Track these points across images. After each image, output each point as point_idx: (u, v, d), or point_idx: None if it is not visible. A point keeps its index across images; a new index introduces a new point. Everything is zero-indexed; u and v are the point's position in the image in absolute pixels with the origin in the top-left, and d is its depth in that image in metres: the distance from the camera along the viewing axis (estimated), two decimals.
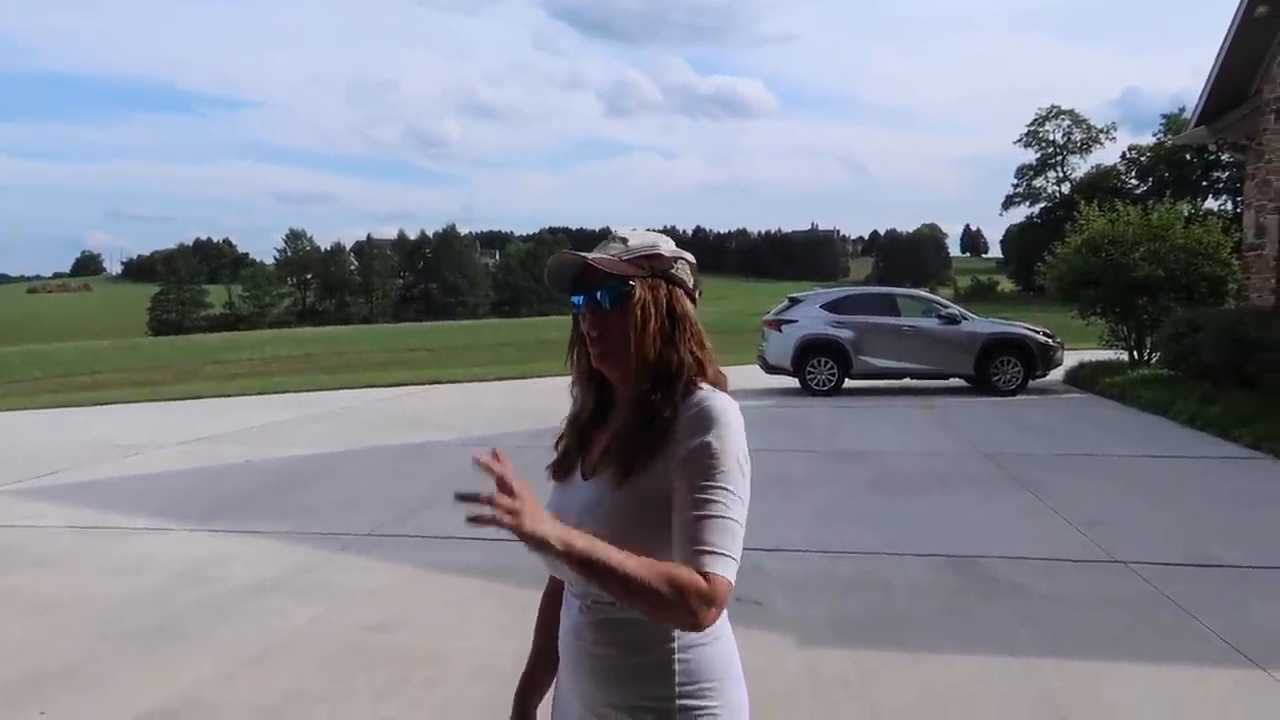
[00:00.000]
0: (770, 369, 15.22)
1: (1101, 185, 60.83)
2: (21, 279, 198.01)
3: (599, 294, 1.51)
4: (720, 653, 1.51)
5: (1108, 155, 76.52)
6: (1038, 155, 77.43)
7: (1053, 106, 76.85)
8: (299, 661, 4.36)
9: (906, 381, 15.20)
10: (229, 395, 17.57)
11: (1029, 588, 5.25)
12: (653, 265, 1.54)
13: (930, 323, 14.91)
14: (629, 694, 1.48)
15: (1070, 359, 15.46)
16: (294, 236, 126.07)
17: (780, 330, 14.98)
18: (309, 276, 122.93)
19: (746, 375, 15.79)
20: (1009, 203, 79.87)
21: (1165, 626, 4.61)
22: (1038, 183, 77.90)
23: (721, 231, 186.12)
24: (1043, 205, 76.27)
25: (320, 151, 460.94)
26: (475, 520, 1.29)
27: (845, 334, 14.68)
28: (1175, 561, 5.62)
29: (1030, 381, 14.48)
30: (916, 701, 3.87)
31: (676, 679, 1.47)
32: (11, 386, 25.02)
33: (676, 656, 1.47)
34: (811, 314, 14.95)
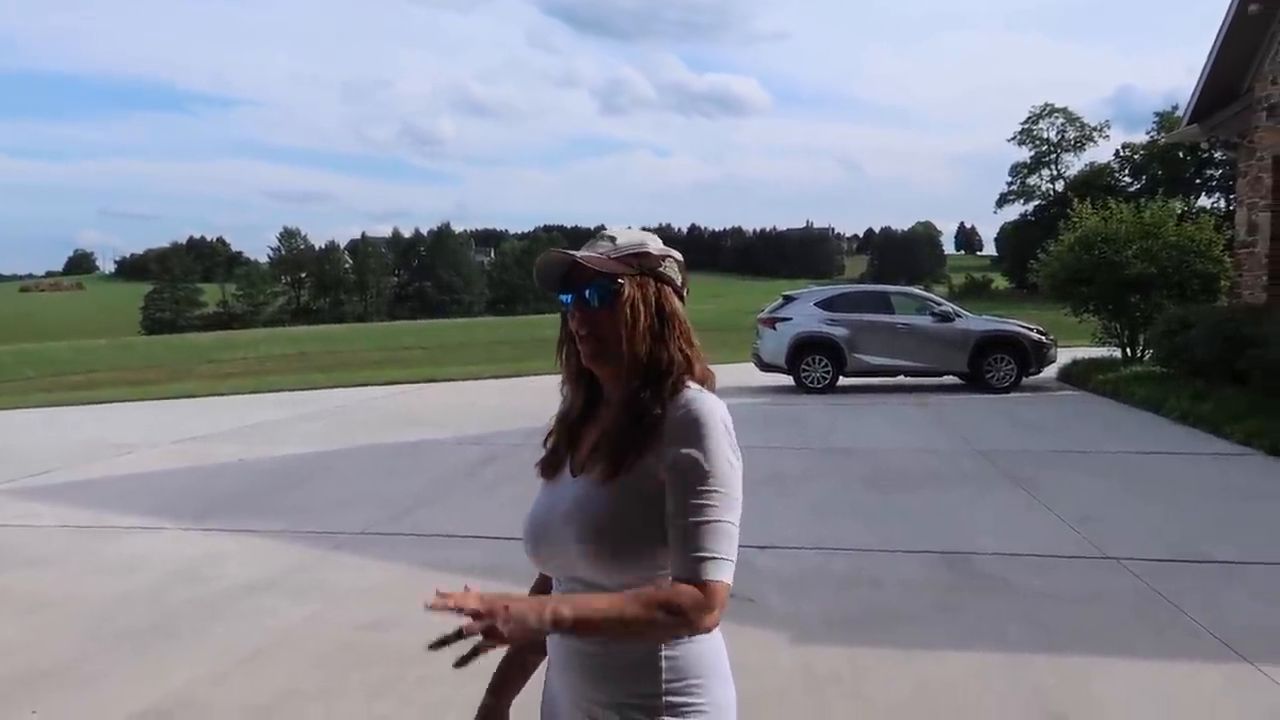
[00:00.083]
0: (765, 367, 15.23)
1: (1095, 183, 60.97)
2: (14, 278, 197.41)
3: (588, 292, 1.51)
4: (707, 650, 1.51)
5: (1101, 153, 76.77)
6: (1032, 153, 77.57)
7: (1047, 104, 77.00)
8: (292, 660, 4.36)
9: (901, 379, 15.23)
10: (223, 394, 17.54)
11: (1022, 584, 5.27)
12: (641, 263, 1.54)
13: (924, 320, 14.94)
14: (616, 691, 1.48)
15: (1064, 356, 15.49)
16: (288, 235, 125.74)
17: (775, 328, 14.99)
18: (303, 275, 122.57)
19: (741, 373, 15.80)
20: (1003, 200, 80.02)
21: (1156, 622, 4.63)
22: (1032, 180, 78.01)
23: (716, 229, 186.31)
24: (1037, 203, 76.36)
25: (314, 150, 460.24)
26: (464, 660, 1.31)
27: (840, 332, 14.70)
28: (1166, 557, 5.64)
29: (1024, 379, 14.50)
30: (910, 698, 3.89)
31: (663, 676, 1.47)
32: (4, 386, 24.97)
33: (663, 654, 1.48)
34: (806, 312, 14.97)
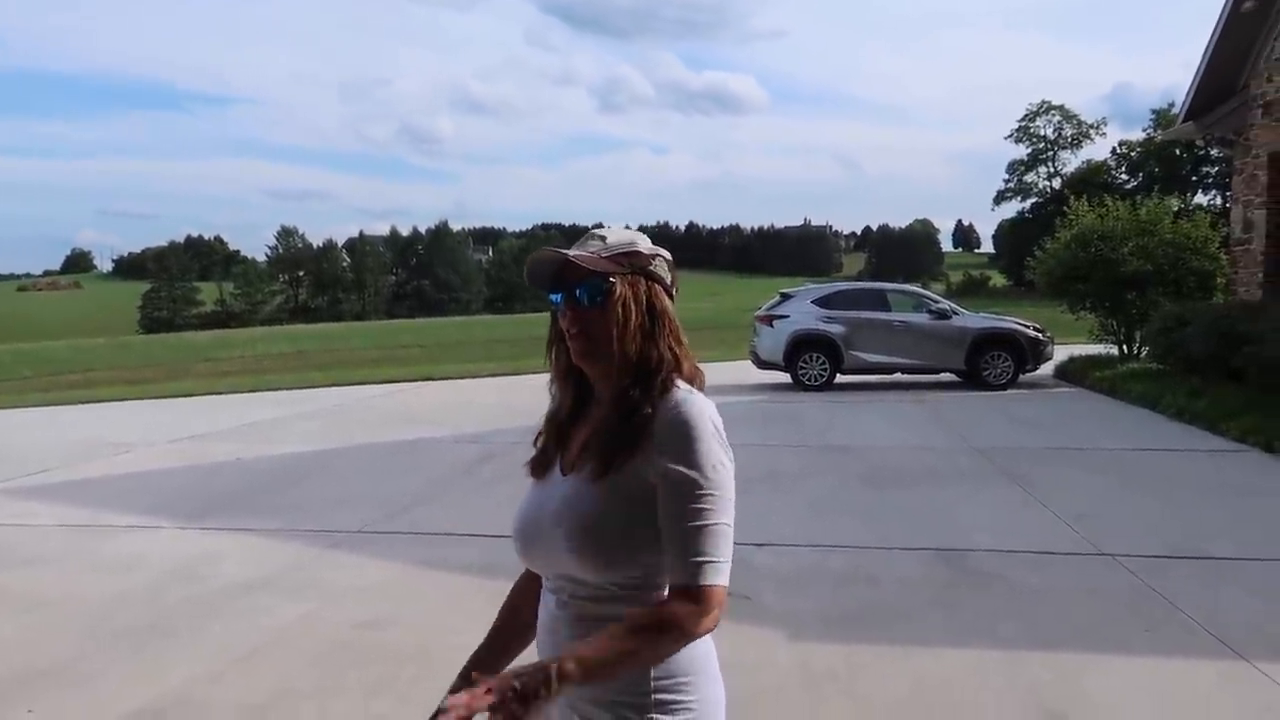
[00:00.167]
0: (762, 364, 15.25)
1: (1092, 180, 61.01)
2: (12, 277, 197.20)
3: (579, 291, 1.52)
4: (696, 649, 1.52)
5: (1098, 150, 76.69)
6: (1029, 151, 77.61)
7: (1044, 102, 77.09)
8: (289, 659, 4.37)
9: (898, 376, 15.24)
10: (220, 393, 17.54)
11: (1018, 581, 5.28)
12: (632, 262, 1.55)
13: (921, 318, 14.96)
14: (606, 689, 1.49)
15: (1060, 353, 15.51)
16: (286, 233, 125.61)
17: (772, 326, 15.01)
18: (301, 273, 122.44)
19: (739, 371, 15.82)
20: (1000, 198, 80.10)
21: (1152, 619, 4.64)
22: (1029, 178, 78.05)
23: (714, 227, 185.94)
24: (1034, 200, 76.38)
25: (312, 148, 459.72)
26: None
27: (836, 329, 14.72)
28: (1162, 554, 5.65)
29: (1020, 376, 14.53)
30: (906, 695, 3.90)
31: (653, 674, 1.49)
32: (2, 385, 24.95)
33: None
34: (803, 309, 14.99)
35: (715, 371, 17.38)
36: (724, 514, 1.47)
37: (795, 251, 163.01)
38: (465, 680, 1.72)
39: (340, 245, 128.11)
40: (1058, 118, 76.75)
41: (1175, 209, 16.37)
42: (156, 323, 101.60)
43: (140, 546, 6.41)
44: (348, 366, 25.57)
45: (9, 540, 6.65)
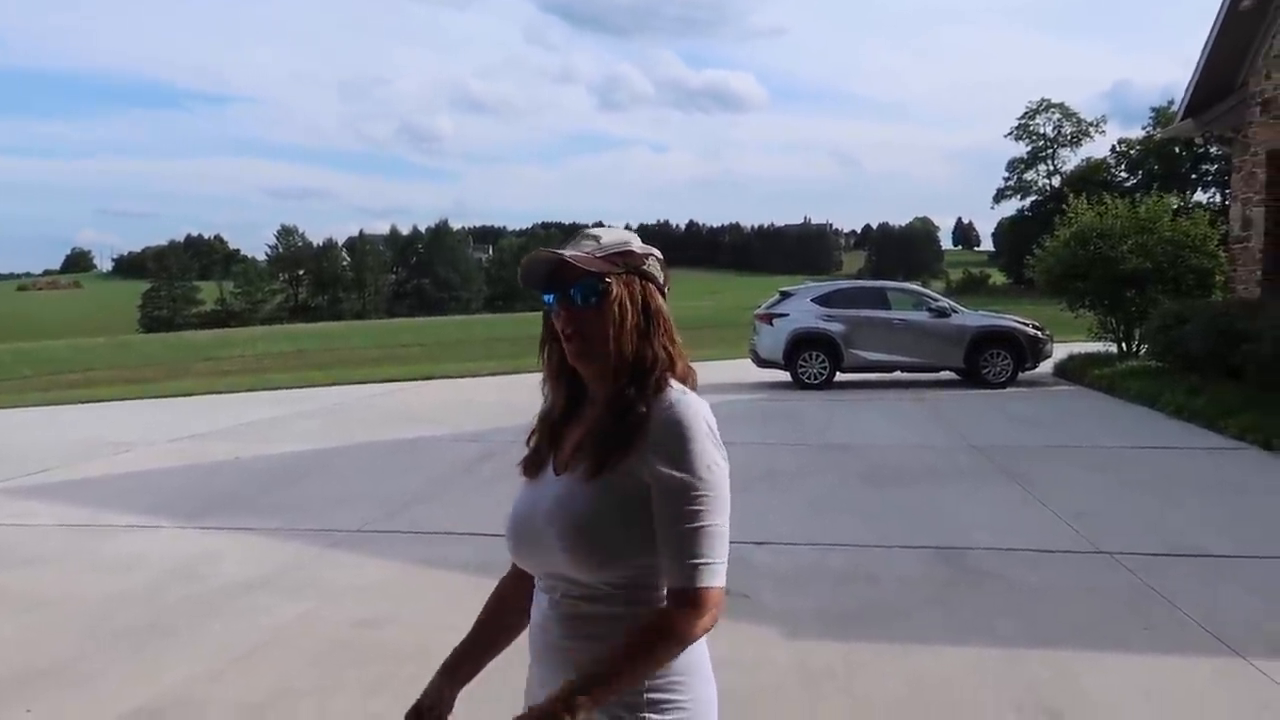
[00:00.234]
0: (762, 363, 15.25)
1: (1091, 178, 61.00)
2: (12, 277, 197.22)
3: (575, 292, 1.52)
4: (689, 649, 1.52)
5: (1098, 148, 76.64)
6: (1028, 148, 77.60)
7: (1043, 100, 77.06)
8: (288, 658, 4.38)
9: (897, 375, 15.25)
10: (220, 392, 17.55)
11: (1016, 579, 5.29)
12: (626, 262, 1.55)
13: (920, 316, 14.97)
14: None
15: (1059, 351, 15.51)
16: (286, 232, 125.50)
17: (771, 324, 15.02)
18: (301, 272, 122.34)
19: (739, 369, 15.82)
20: (1000, 196, 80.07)
21: (1149, 617, 4.65)
22: (1028, 176, 78.06)
23: (714, 225, 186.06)
24: (1033, 198, 76.39)
25: (312, 147, 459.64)
26: None
27: (836, 328, 14.72)
28: (1160, 552, 5.66)
29: (1020, 374, 14.54)
30: (905, 693, 3.90)
31: None
32: (1, 385, 24.96)
33: None
34: (802, 308, 14.99)
35: (715, 370, 17.33)
36: (719, 515, 1.48)
37: (795, 250, 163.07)
38: (442, 679, 1.73)
39: (340, 244, 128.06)
40: (1057, 115, 76.77)
41: (1175, 207, 16.37)
42: (156, 322, 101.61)
43: (140, 546, 6.42)
44: (348, 365, 25.57)
45: (9, 540, 6.65)
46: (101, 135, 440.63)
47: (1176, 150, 63.01)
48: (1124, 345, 15.61)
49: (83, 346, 46.63)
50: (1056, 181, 73.25)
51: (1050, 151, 77.25)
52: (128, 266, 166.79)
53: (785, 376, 14.98)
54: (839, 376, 14.89)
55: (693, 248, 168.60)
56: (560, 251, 1.54)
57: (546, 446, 1.64)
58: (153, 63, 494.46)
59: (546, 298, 1.56)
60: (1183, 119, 14.66)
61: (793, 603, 4.98)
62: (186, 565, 5.91)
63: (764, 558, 5.72)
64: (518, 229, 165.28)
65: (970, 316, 15.06)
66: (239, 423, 12.42)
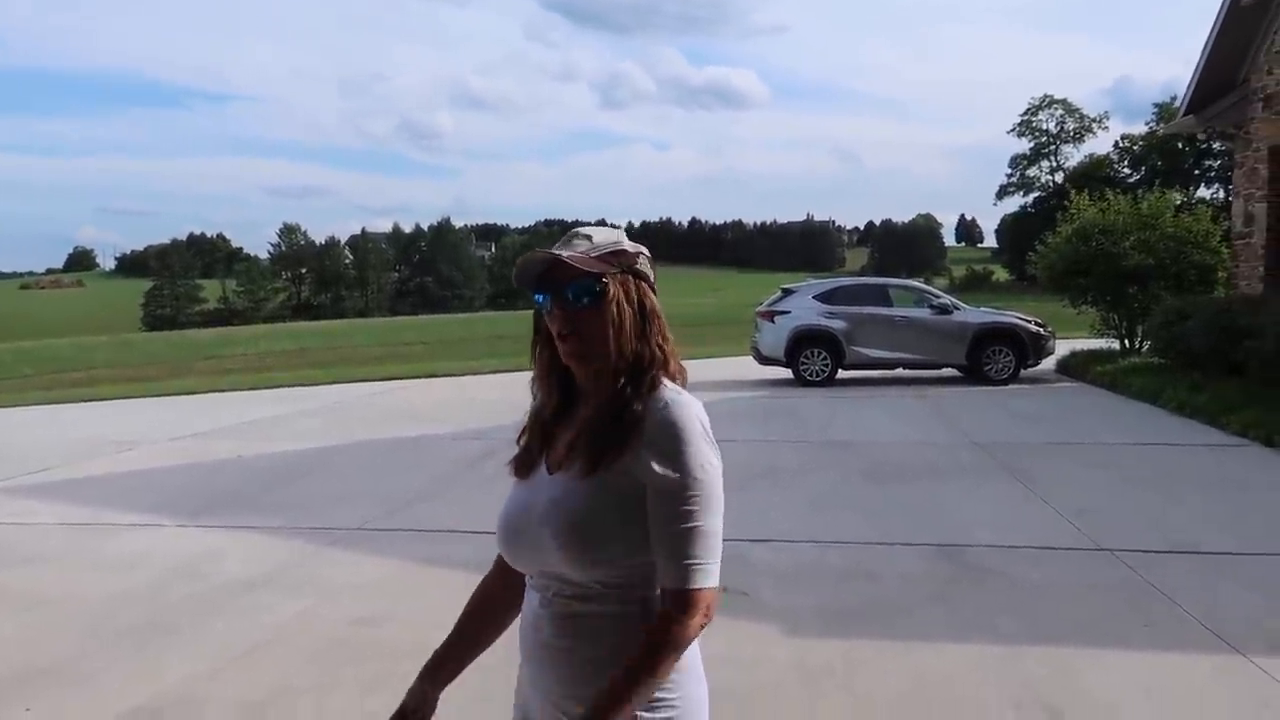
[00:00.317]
0: (764, 360, 15.24)
1: (1094, 174, 60.87)
2: (14, 275, 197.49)
3: (570, 292, 1.51)
4: None
5: (1100, 144, 76.53)
6: (1031, 145, 77.44)
7: (1046, 96, 76.84)
8: (288, 656, 4.38)
9: (899, 372, 15.24)
10: (223, 390, 17.57)
11: (1017, 576, 5.29)
12: (620, 261, 1.55)
13: (922, 313, 14.94)
14: (588, 686, 1.49)
15: (1062, 348, 15.49)
16: (288, 231, 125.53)
17: (773, 321, 15.00)
18: (303, 271, 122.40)
19: (740, 366, 15.82)
20: (1003, 192, 79.92)
21: (1149, 613, 4.64)
22: (1031, 172, 77.89)
23: (717, 223, 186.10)
24: (1036, 195, 76.27)
25: (312, 145, 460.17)
26: None
27: (838, 325, 14.71)
28: (1161, 549, 5.66)
29: (1022, 371, 14.51)
30: (905, 691, 3.90)
31: None
32: (3, 384, 24.99)
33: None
34: (804, 305, 14.98)
35: (717, 367, 17.32)
36: (712, 516, 1.49)
37: (798, 247, 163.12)
38: (424, 681, 1.73)
39: (343, 242, 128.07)
40: (1060, 112, 76.59)
41: (1177, 203, 16.32)
42: (159, 320, 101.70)
43: (142, 544, 6.43)
44: (350, 364, 25.59)
45: (10, 539, 6.66)
46: (102, 133, 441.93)
47: (1179, 146, 62.82)
48: (1126, 342, 15.59)
49: (85, 345, 46.64)
50: (1059, 178, 73.03)
51: (1053, 148, 77.12)
52: (130, 265, 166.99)
53: (787, 374, 14.97)
54: (841, 374, 14.88)
55: (695, 245, 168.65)
56: (556, 251, 1.53)
57: (538, 446, 1.63)
58: (153, 61, 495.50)
59: (538, 297, 1.55)
60: (1185, 115, 14.64)
61: (793, 600, 4.98)
62: (188, 563, 5.92)
63: (764, 555, 5.72)
64: (520, 226, 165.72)
65: (972, 313, 15.03)
66: (241, 421, 12.43)
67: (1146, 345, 14.70)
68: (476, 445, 9.75)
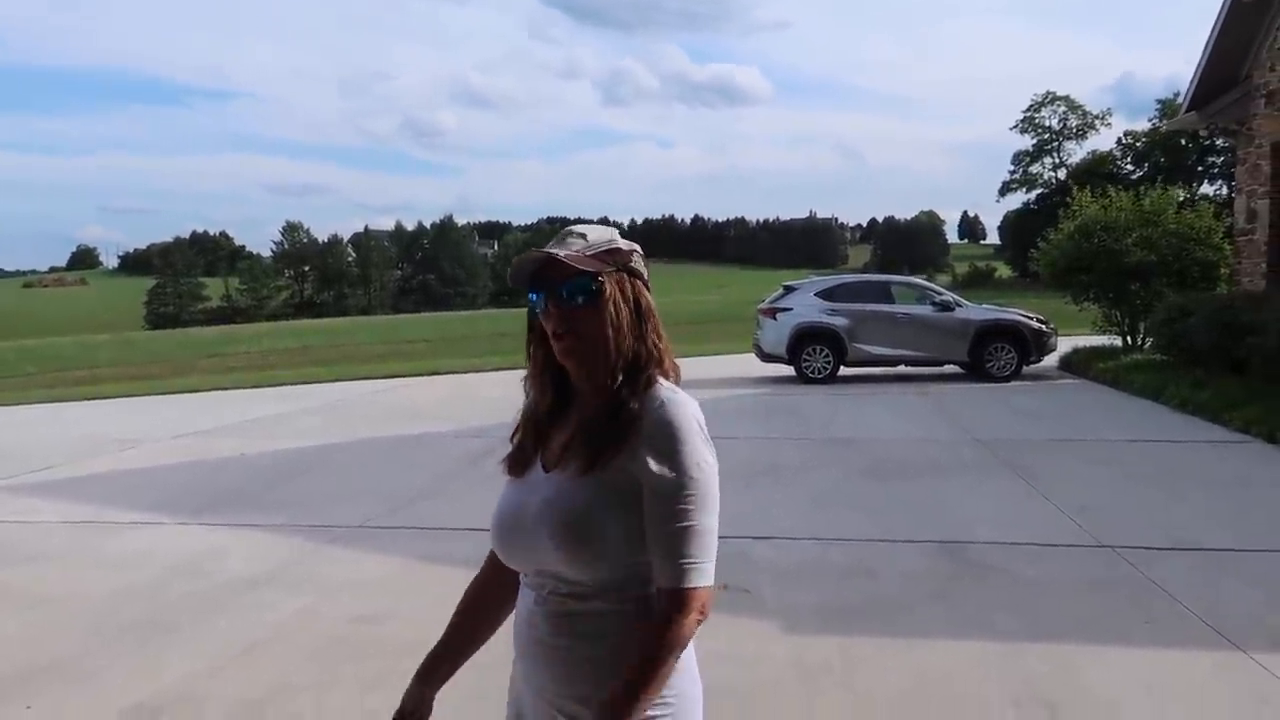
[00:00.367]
0: (766, 357, 15.23)
1: (1097, 171, 60.68)
2: (18, 274, 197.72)
3: (566, 291, 1.51)
4: None
5: (1104, 141, 76.52)
6: (1034, 141, 77.30)
7: (1049, 93, 76.68)
8: (288, 653, 4.39)
9: (902, 369, 15.23)
10: (226, 388, 17.59)
11: (1018, 573, 5.28)
12: (615, 259, 1.55)
13: (924, 310, 14.93)
14: (584, 684, 1.50)
15: (1064, 344, 15.48)
16: (291, 229, 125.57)
17: (775, 318, 14.99)
18: (306, 269, 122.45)
19: (743, 364, 15.81)
20: (1006, 189, 79.75)
21: (1150, 610, 4.64)
22: (1034, 169, 77.73)
23: (719, 220, 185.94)
24: (1039, 191, 76.13)
25: (313, 143, 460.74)
26: None
27: (840, 322, 14.70)
28: (1162, 546, 5.65)
29: (1024, 368, 14.50)
30: (904, 688, 3.90)
31: None
32: (7, 382, 25.02)
33: (631, 648, 1.49)
34: (806, 302, 14.97)
35: (720, 365, 17.29)
36: (708, 515, 1.49)
37: (801, 244, 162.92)
38: (420, 683, 1.73)
39: (345, 240, 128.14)
40: (1063, 108, 76.44)
41: (1180, 199, 16.31)
42: (162, 318, 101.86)
43: (144, 542, 6.44)
44: (353, 361, 25.60)
45: (13, 537, 6.68)
46: (103, 131, 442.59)
47: (1182, 142, 62.74)
48: (1129, 338, 15.58)
49: (88, 343, 46.71)
50: (1062, 174, 72.96)
51: (1056, 144, 76.97)
52: (133, 263, 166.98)
53: (789, 371, 14.97)
54: (843, 371, 14.87)
55: (698, 242, 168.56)
56: (552, 251, 1.53)
57: (532, 444, 1.63)
58: (153, 60, 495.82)
59: (532, 296, 1.55)
60: (1187, 111, 14.62)
61: (793, 597, 4.98)
62: (190, 561, 5.93)
63: (766, 552, 5.71)
64: (522, 224, 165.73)
65: (974, 310, 15.01)
66: (244, 419, 12.45)
67: (1149, 342, 14.69)
68: (478, 443, 9.75)
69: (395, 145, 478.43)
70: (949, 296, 15.38)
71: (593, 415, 1.54)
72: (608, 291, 1.52)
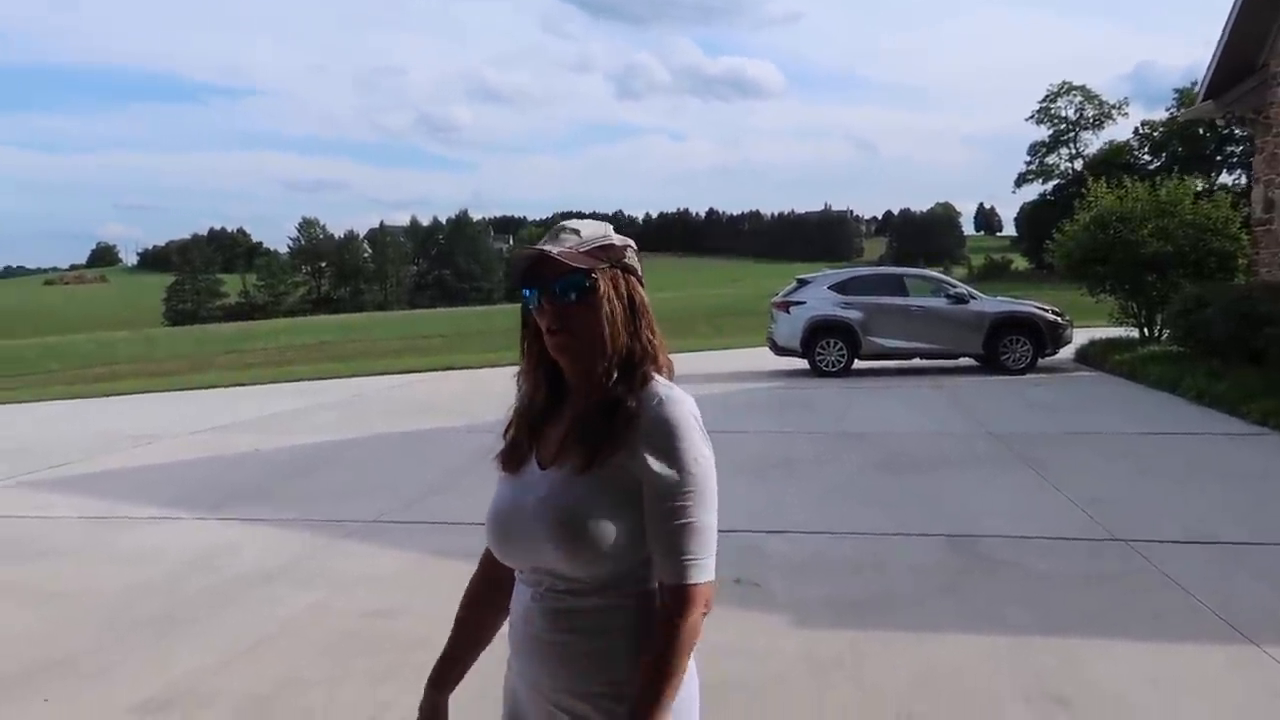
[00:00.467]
0: (780, 351, 15.21)
1: (1114, 161, 60.33)
2: (39, 271, 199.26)
3: (559, 287, 1.51)
4: None
5: (1121, 131, 75.74)
6: (1050, 132, 76.65)
7: (1064, 82, 75.98)
8: (301, 648, 4.42)
9: (916, 362, 15.18)
10: (244, 384, 17.69)
11: (1029, 567, 5.26)
12: (609, 256, 1.55)
13: (939, 302, 14.87)
14: (582, 680, 1.51)
15: (1080, 336, 15.39)
16: (307, 225, 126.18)
17: (789, 312, 14.97)
18: (323, 265, 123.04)
19: (756, 357, 15.78)
20: (1022, 180, 79.21)
21: (1162, 604, 4.61)
22: (1050, 160, 77.12)
23: (734, 213, 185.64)
24: (1056, 182, 75.59)
25: (329, 139, 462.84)
26: None
27: (854, 315, 14.66)
28: (1176, 539, 5.61)
29: (1040, 360, 14.43)
30: (914, 682, 3.88)
31: (628, 666, 1.49)
32: (28, 379, 25.24)
33: (629, 642, 1.51)
34: (819, 295, 14.93)
35: (733, 358, 17.24)
36: (707, 512, 1.50)
37: (816, 236, 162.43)
38: (433, 692, 1.74)
39: (361, 236, 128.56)
40: (1079, 98, 75.78)
41: (1198, 189, 16.19)
42: (181, 315, 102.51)
43: (159, 538, 6.49)
44: (369, 357, 25.72)
45: (31, 532, 6.74)
46: (121, 129, 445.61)
47: (1200, 132, 62.12)
48: (1145, 330, 15.48)
49: (108, 340, 47.06)
50: (1079, 165, 72.43)
51: (1072, 135, 76.34)
52: (152, 260, 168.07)
53: (803, 364, 14.94)
54: (857, 364, 14.84)
55: (712, 236, 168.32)
56: (544, 247, 1.53)
57: (527, 440, 1.63)
58: (168, 58, 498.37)
59: (525, 292, 1.55)
60: (1204, 100, 14.50)
61: (805, 591, 4.97)
62: (204, 556, 5.97)
63: (778, 546, 5.72)
64: (537, 219, 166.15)
65: (989, 302, 14.94)
66: (260, 414, 12.52)
67: (1165, 333, 14.60)
68: (491, 438, 9.51)
69: (410, 140, 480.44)
70: (963, 289, 15.31)
71: (587, 411, 1.54)
72: (600, 288, 1.52)
